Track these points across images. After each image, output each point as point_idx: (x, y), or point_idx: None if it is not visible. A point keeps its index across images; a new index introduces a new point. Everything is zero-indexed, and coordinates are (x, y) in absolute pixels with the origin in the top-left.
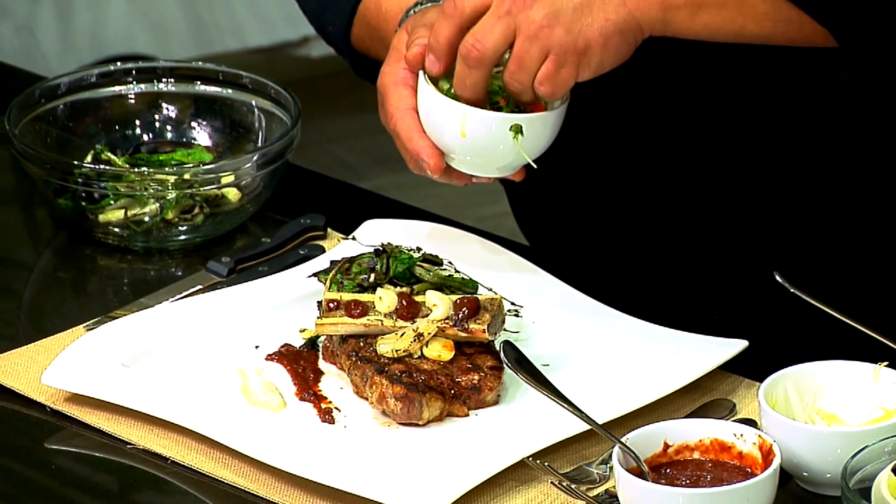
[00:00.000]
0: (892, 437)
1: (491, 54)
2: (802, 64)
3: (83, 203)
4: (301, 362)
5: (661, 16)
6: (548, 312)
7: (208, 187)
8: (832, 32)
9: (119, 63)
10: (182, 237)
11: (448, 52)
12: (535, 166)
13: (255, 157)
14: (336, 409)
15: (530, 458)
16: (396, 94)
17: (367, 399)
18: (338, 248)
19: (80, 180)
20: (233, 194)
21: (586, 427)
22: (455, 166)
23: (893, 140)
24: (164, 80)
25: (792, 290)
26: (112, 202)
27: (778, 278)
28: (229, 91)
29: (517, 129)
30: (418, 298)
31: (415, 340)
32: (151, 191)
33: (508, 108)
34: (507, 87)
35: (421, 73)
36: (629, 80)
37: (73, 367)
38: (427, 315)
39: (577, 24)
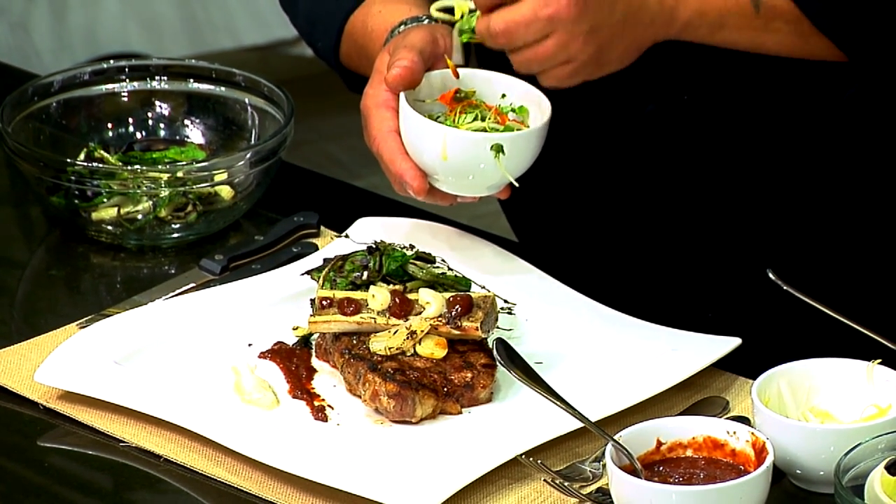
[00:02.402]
0: (886, 434)
1: (518, 46)
2: (802, 77)
3: (76, 201)
4: (294, 360)
5: (682, 32)
6: (541, 310)
7: (201, 185)
8: (849, 56)
9: (112, 61)
10: (175, 235)
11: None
12: (516, 185)
13: (248, 155)
14: (329, 406)
15: (523, 456)
16: (379, 117)
17: (360, 397)
18: (331, 245)
19: (73, 178)
20: (226, 192)
21: (579, 425)
22: (439, 187)
23: (886, 138)
24: (157, 78)
25: (785, 288)
26: (105, 200)
27: (771, 276)
28: (222, 89)
29: (498, 149)
30: (411, 296)
31: (408, 338)
32: (144, 188)
33: (489, 124)
34: (514, 63)
35: (402, 94)
36: (625, 82)
37: (66, 364)
38: (420, 313)
39: (607, 43)
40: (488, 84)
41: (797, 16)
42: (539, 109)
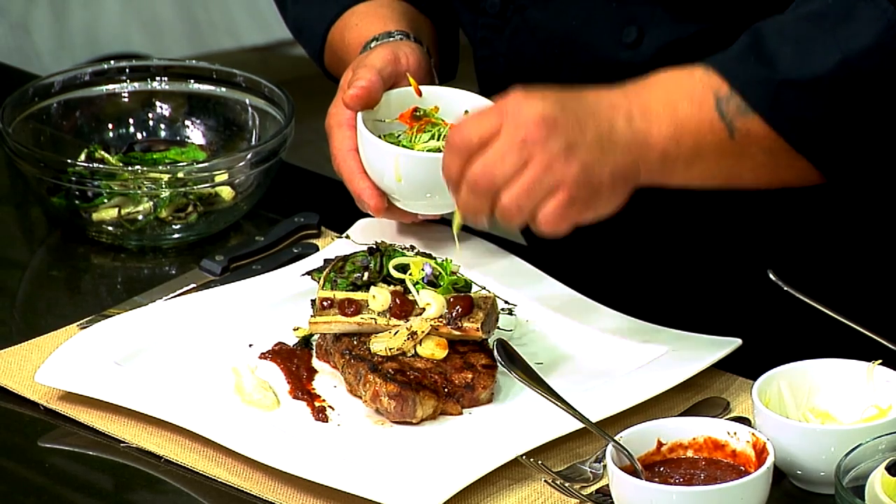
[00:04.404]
0: (886, 435)
1: (501, 184)
2: None
3: (77, 201)
4: (295, 361)
5: (660, 166)
6: (541, 311)
7: (202, 186)
8: (827, 176)
9: (113, 61)
10: (176, 235)
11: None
12: None
13: (248, 156)
14: (330, 407)
15: (524, 457)
16: (339, 136)
17: (360, 397)
18: (331, 246)
19: (73, 179)
20: (226, 193)
21: (580, 425)
22: (398, 206)
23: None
24: (157, 78)
25: (786, 289)
26: (106, 200)
27: (772, 277)
28: (223, 89)
29: None
30: (411, 297)
31: (408, 339)
32: (145, 189)
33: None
34: (503, 211)
35: (359, 115)
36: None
37: (66, 365)
38: (420, 313)
39: (591, 162)
40: (451, 101)
41: (773, 140)
42: None
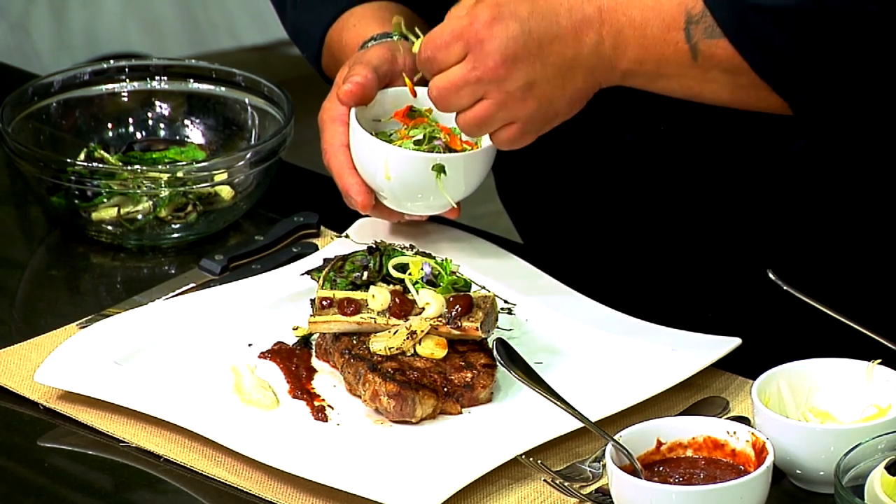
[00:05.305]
0: (886, 434)
1: (455, 110)
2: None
3: (76, 201)
4: (294, 360)
5: (621, 80)
6: (541, 310)
7: (201, 185)
8: (791, 105)
9: (112, 61)
10: (175, 235)
11: None
12: (454, 206)
13: (248, 155)
14: (329, 406)
15: (523, 456)
16: (331, 131)
17: (360, 397)
18: (331, 245)
19: (73, 178)
20: (226, 192)
21: (579, 425)
22: (385, 204)
23: (885, 139)
24: (157, 78)
25: (785, 288)
26: (105, 200)
27: (771, 276)
28: (222, 89)
29: (439, 169)
30: (410, 297)
31: (408, 338)
32: (144, 189)
33: (435, 143)
34: (460, 126)
35: (352, 110)
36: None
37: (66, 364)
38: (420, 313)
39: (549, 96)
40: None
41: (735, 65)
42: None
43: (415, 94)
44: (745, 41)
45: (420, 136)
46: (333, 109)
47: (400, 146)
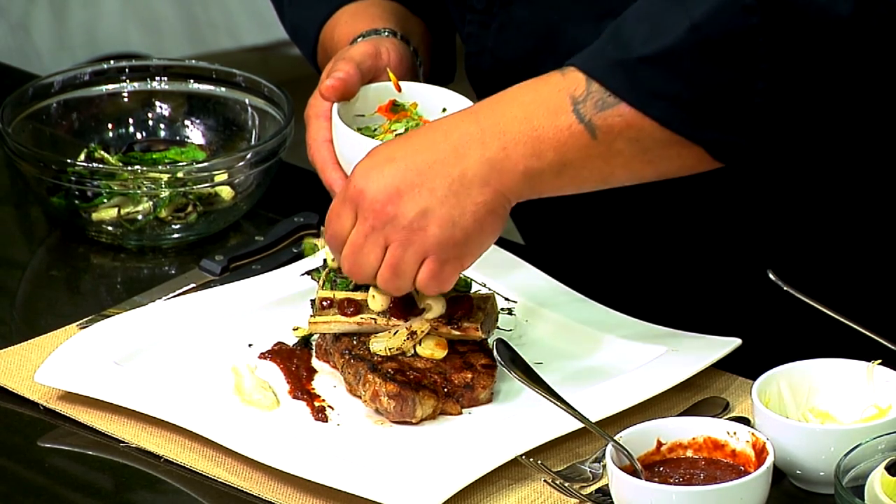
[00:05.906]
0: (886, 434)
1: (371, 273)
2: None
3: (76, 201)
4: (294, 360)
5: (527, 184)
6: (541, 311)
7: (202, 185)
8: (709, 149)
9: (112, 61)
10: (175, 235)
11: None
12: None
13: (248, 156)
14: (329, 407)
15: (523, 457)
16: (316, 126)
17: (360, 397)
18: None
19: (73, 178)
20: (226, 192)
21: (580, 425)
22: None
23: (885, 139)
24: (157, 78)
25: (785, 289)
26: (105, 200)
27: (771, 276)
28: (223, 89)
29: None
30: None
31: (408, 338)
32: (145, 189)
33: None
34: (386, 291)
35: (334, 106)
36: None
37: (66, 365)
38: (420, 313)
39: (448, 218)
40: (430, 98)
41: (637, 128)
42: None
43: (399, 89)
44: (644, 97)
45: (402, 130)
46: (318, 105)
47: (382, 140)
